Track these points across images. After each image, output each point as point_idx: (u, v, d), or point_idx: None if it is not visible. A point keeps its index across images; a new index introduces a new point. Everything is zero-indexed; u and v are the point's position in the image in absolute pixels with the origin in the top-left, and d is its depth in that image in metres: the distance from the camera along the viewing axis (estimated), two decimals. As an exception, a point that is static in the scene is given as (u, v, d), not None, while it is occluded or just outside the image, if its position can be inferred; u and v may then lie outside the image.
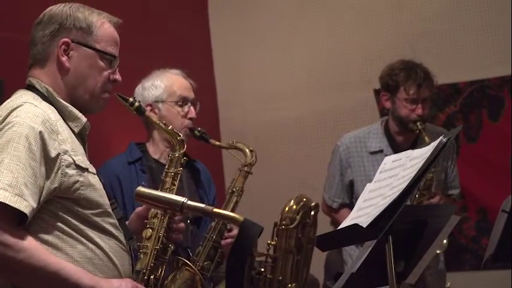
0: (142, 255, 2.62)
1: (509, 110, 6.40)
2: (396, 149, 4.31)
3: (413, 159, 3.21)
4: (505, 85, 6.39)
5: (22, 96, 2.52)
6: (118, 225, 2.55)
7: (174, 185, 2.85)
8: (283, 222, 2.53)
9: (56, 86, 2.55)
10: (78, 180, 2.42)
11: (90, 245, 2.43)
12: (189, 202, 2.39)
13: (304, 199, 2.58)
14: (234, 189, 3.21)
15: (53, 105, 2.50)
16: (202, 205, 2.49)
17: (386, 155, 4.23)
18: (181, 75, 3.90)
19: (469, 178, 5.85)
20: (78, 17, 2.57)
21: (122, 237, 2.53)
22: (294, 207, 2.54)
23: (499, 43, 6.34)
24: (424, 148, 3.26)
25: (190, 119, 3.77)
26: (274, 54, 6.95)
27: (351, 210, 3.44)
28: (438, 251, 4.26)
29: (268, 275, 2.52)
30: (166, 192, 2.78)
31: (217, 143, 3.55)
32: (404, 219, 3.10)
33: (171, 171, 2.86)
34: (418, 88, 4.32)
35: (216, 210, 2.44)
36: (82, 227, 2.42)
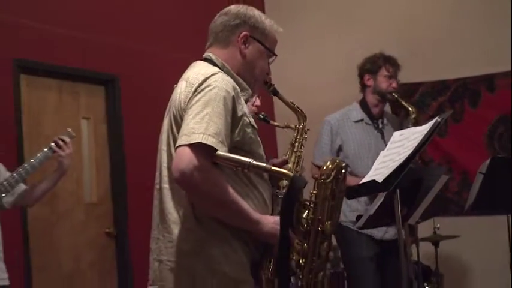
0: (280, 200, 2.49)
1: (484, 100, 6.37)
2: (372, 117, 4.39)
3: (415, 133, 3.24)
4: (481, 82, 6.36)
5: (209, 67, 2.38)
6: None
7: (302, 149, 2.77)
8: (322, 177, 2.50)
9: (230, 63, 2.45)
10: (251, 137, 2.35)
11: (253, 188, 2.35)
12: (254, 162, 2.38)
13: (337, 161, 2.55)
14: (287, 156, 3.11)
15: (232, 78, 2.39)
16: (264, 164, 2.48)
17: (365, 122, 4.32)
18: None
19: (455, 149, 5.84)
20: (257, 19, 2.49)
21: (270, 185, 2.47)
22: (330, 166, 2.51)
23: (479, 49, 6.27)
24: (424, 126, 3.27)
25: (256, 106, 3.76)
26: (310, 59, 6.97)
27: None
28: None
29: (310, 215, 2.49)
30: (295, 153, 2.74)
31: (276, 123, 3.54)
32: (407, 177, 3.11)
33: (299, 137, 2.79)
34: (395, 67, 4.39)
35: (273, 168, 2.44)
36: (250, 174, 2.32)
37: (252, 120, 2.38)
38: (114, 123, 5.66)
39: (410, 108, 4.36)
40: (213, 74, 2.29)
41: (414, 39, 6.40)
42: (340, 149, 4.39)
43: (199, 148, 2.11)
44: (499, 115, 6.30)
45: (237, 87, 2.33)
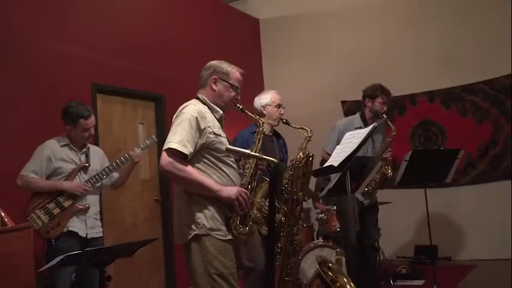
0: (243, 177, 2.58)
1: (409, 111, 6.39)
2: (367, 126, 4.22)
3: (360, 133, 3.24)
4: (407, 98, 6.38)
5: (190, 101, 2.61)
6: (234, 161, 2.61)
7: (259, 143, 2.74)
8: (296, 163, 2.54)
9: (208, 97, 2.63)
10: (214, 140, 2.49)
11: (220, 170, 2.50)
12: (251, 153, 2.38)
13: (307, 152, 2.58)
14: (302, 148, 3.07)
15: (207, 106, 2.60)
16: (258, 154, 2.49)
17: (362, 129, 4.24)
18: (277, 93, 3.82)
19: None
20: (222, 67, 2.65)
21: (236, 168, 2.59)
22: (302, 155, 2.55)
23: (404, 76, 6.30)
24: (365, 128, 3.29)
25: (281, 114, 3.72)
26: (296, 83, 6.98)
27: None
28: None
29: (288, 188, 2.53)
30: (256, 145, 2.70)
31: (293, 125, 3.44)
32: (355, 163, 3.13)
33: (258, 136, 2.76)
34: (387, 97, 4.26)
35: (264, 156, 2.45)
36: (216, 161, 2.49)
37: (215, 130, 2.53)
38: (161, 127, 5.65)
39: (392, 127, 4.22)
40: (185, 107, 2.54)
41: (361, 70, 6.43)
42: None
43: (170, 151, 2.37)
44: (418, 121, 6.35)
45: (202, 111, 2.53)
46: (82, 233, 3.34)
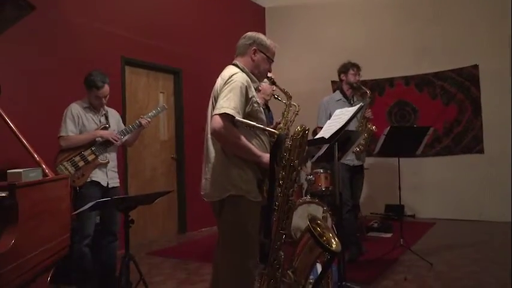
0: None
1: (387, 92, 6.26)
2: (346, 97, 4.16)
3: (348, 111, 3.14)
4: (386, 81, 6.24)
5: (234, 69, 2.32)
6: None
7: (288, 116, 2.51)
8: (294, 135, 2.46)
9: (246, 65, 2.37)
10: (257, 109, 2.28)
11: (258, 138, 2.31)
12: (257, 124, 2.29)
13: (303, 126, 2.50)
14: (289, 119, 2.94)
15: (245, 74, 2.33)
16: (262, 126, 2.40)
17: (343, 101, 4.13)
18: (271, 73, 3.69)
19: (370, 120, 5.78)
20: (262, 40, 2.40)
21: (268, 136, 2.40)
22: (299, 128, 2.46)
23: (384, 61, 6.17)
24: (353, 107, 3.19)
25: (273, 90, 3.59)
26: (295, 63, 6.84)
27: None
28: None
29: (287, 156, 2.46)
30: (285, 119, 2.49)
31: (284, 101, 3.21)
32: (342, 136, 3.04)
33: (286, 109, 2.53)
34: (357, 69, 4.17)
35: (267, 128, 2.38)
36: (256, 130, 2.29)
37: (258, 100, 2.31)
38: (178, 95, 5.57)
39: (367, 91, 4.17)
40: (234, 74, 2.24)
41: (349, 56, 6.24)
42: (330, 116, 4.26)
43: (224, 115, 2.11)
44: (395, 101, 6.24)
45: (249, 80, 2.27)
46: (103, 183, 3.29)
